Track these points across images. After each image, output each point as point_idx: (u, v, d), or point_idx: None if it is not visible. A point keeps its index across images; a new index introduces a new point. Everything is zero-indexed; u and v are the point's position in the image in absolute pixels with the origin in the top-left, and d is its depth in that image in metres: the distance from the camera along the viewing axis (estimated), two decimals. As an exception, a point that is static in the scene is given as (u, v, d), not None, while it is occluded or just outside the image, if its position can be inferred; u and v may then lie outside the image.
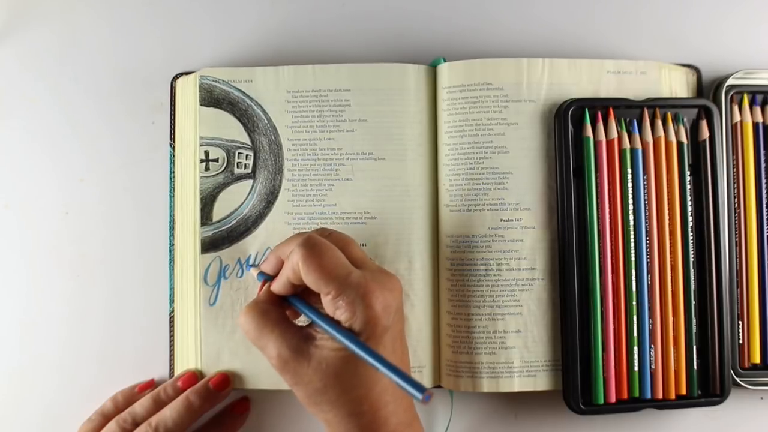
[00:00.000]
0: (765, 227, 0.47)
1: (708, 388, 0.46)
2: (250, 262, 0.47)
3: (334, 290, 0.37)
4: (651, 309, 0.46)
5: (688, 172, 0.47)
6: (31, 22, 0.51)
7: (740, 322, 0.47)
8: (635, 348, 0.46)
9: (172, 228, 0.49)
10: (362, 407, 0.38)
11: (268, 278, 0.42)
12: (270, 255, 0.42)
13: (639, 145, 0.46)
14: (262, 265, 0.43)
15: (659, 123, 0.47)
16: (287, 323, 0.39)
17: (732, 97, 0.48)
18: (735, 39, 0.51)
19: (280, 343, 0.38)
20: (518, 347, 0.46)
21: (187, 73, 0.49)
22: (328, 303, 0.38)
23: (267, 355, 0.39)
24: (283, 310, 0.41)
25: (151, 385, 0.48)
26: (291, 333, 0.39)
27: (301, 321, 0.42)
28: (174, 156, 0.49)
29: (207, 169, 0.47)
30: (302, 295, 0.40)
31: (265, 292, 0.41)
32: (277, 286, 0.40)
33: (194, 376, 0.46)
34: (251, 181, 0.47)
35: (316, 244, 0.38)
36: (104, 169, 0.50)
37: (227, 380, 0.46)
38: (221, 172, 0.47)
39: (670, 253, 0.46)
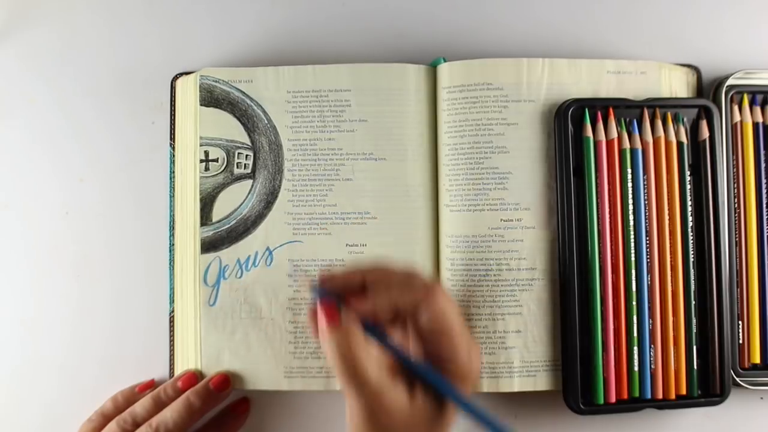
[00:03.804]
0: (765, 227, 0.47)
1: (708, 388, 0.46)
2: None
3: (465, 343, 0.37)
4: (651, 309, 0.46)
5: (688, 172, 0.47)
6: (31, 22, 0.51)
7: (740, 322, 0.47)
8: (635, 348, 0.46)
9: (172, 228, 0.49)
10: None
11: (330, 298, 0.37)
12: (347, 272, 0.38)
13: (639, 145, 0.46)
14: (334, 281, 0.38)
15: (659, 123, 0.47)
16: (375, 357, 0.37)
17: (732, 97, 0.48)
18: (735, 39, 0.51)
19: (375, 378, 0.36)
20: (518, 347, 0.46)
21: (187, 73, 0.49)
22: (444, 345, 0.36)
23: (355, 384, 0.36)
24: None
25: (152, 385, 0.48)
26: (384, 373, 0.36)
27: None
28: (174, 156, 0.49)
29: (207, 169, 0.47)
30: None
31: (351, 319, 0.37)
32: (376, 309, 0.37)
33: (194, 377, 0.46)
34: (251, 181, 0.47)
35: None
36: (104, 169, 0.50)
37: (227, 381, 0.46)
38: (221, 173, 0.47)
39: (670, 253, 0.46)
